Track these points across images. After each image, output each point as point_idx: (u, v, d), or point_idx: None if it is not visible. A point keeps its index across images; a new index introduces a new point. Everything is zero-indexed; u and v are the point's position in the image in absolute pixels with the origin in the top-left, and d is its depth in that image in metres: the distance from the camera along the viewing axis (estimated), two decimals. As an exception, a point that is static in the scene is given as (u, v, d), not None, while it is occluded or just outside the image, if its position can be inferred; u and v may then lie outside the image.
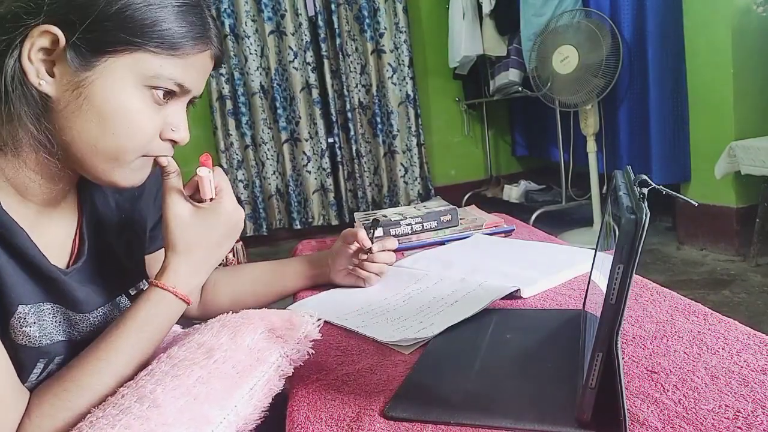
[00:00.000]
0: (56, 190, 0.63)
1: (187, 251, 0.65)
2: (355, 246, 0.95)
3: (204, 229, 0.66)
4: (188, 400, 0.55)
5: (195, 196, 0.68)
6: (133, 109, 0.58)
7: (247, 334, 0.64)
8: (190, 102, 0.66)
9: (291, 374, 0.66)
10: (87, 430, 0.51)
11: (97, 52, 0.56)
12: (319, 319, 0.70)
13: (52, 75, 0.57)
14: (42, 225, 0.63)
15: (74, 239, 0.68)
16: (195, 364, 0.59)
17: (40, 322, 0.60)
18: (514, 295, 0.84)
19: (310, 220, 3.64)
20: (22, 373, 0.59)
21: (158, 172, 0.68)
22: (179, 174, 0.67)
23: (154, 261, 0.82)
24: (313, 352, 0.68)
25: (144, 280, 0.76)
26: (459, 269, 0.99)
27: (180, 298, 0.65)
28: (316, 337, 0.68)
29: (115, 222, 0.73)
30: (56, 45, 0.56)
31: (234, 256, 2.01)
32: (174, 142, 0.64)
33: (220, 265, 0.78)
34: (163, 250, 0.73)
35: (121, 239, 0.74)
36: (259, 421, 0.61)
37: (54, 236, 0.65)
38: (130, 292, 0.73)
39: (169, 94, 0.61)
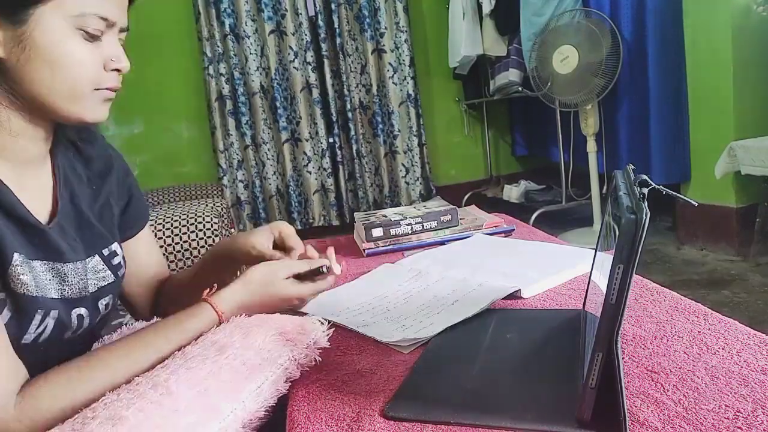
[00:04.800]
0: (32, 149, 0.68)
1: (252, 300, 0.75)
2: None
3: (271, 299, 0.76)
4: (200, 391, 0.57)
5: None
6: (73, 50, 0.64)
7: (259, 335, 0.66)
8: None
9: (297, 377, 0.66)
10: (101, 410, 0.53)
11: (22, 7, 0.61)
12: (330, 326, 0.72)
13: None
14: (21, 183, 0.67)
15: (52, 200, 0.72)
16: (207, 359, 0.62)
17: (34, 275, 0.64)
18: (514, 296, 0.84)
19: (310, 220, 3.64)
20: (22, 324, 0.63)
21: (117, 155, 0.83)
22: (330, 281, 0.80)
23: (131, 247, 0.86)
24: (320, 359, 0.69)
25: (116, 243, 0.80)
26: (460, 269, 0.99)
27: (218, 315, 0.72)
28: (325, 345, 0.70)
29: (87, 193, 0.78)
30: None
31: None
32: (118, 71, 0.69)
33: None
34: (139, 235, 0.87)
35: (94, 207, 0.78)
36: (264, 419, 0.62)
37: (33, 194, 0.69)
38: (103, 252, 0.76)
39: (97, 32, 0.66)
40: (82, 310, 0.70)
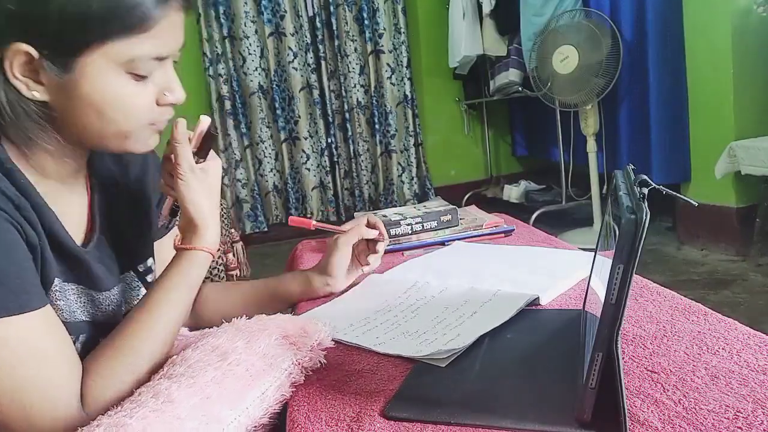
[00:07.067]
0: (70, 167, 0.66)
1: (203, 215, 0.69)
2: (371, 235, 0.97)
3: (208, 188, 0.70)
4: (202, 398, 0.57)
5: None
6: (122, 94, 0.60)
7: (262, 339, 0.65)
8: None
9: (302, 381, 0.65)
10: (105, 419, 0.54)
11: (67, 56, 0.58)
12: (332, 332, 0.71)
13: (41, 83, 0.59)
14: (60, 202, 0.65)
15: (87, 216, 0.70)
16: (209, 365, 0.61)
17: (66, 300, 0.64)
18: (532, 303, 0.80)
19: (308, 216, 3.65)
20: None
21: (153, 155, 0.75)
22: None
23: (162, 246, 0.82)
24: (326, 362, 0.68)
25: (151, 258, 0.78)
26: (457, 279, 0.94)
27: (207, 252, 0.69)
28: (329, 345, 0.69)
29: (123, 200, 0.75)
30: (33, 58, 0.57)
31: (234, 256, 2.01)
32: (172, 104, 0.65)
33: (213, 279, 0.79)
34: (170, 236, 0.80)
35: (129, 216, 0.76)
36: (268, 425, 0.62)
37: (70, 213, 0.67)
38: (139, 268, 0.75)
39: (148, 71, 0.62)
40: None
